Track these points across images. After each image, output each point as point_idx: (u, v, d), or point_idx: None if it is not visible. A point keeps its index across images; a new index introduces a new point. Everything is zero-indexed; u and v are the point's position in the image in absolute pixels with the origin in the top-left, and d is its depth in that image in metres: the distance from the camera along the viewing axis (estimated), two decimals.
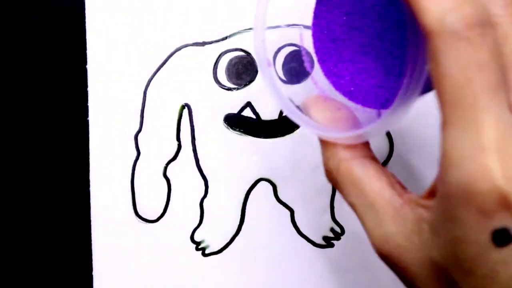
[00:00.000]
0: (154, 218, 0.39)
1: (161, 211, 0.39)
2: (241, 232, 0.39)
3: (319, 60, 0.28)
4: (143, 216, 0.39)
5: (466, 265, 0.22)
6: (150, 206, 0.39)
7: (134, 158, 0.39)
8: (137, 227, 0.39)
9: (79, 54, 0.39)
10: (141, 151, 0.39)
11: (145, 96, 0.38)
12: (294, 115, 0.27)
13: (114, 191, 0.39)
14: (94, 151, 0.38)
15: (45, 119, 0.39)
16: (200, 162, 0.39)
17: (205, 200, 0.39)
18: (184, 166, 0.39)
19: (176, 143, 0.39)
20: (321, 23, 0.27)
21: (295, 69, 0.38)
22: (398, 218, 0.26)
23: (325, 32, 0.27)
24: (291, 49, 0.38)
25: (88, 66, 0.39)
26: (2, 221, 0.39)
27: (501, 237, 0.21)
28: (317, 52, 0.28)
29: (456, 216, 0.22)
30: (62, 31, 0.39)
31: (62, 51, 0.39)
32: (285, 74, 0.38)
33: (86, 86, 0.39)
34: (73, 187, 0.39)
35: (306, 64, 0.31)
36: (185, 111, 0.39)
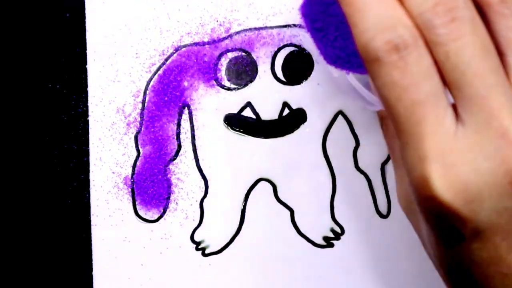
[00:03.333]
0: (154, 218, 0.39)
1: (161, 211, 0.39)
2: (241, 232, 0.39)
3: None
4: (143, 216, 0.39)
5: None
6: (150, 206, 0.39)
7: (134, 158, 0.39)
8: (137, 227, 0.39)
9: (79, 54, 0.39)
10: (141, 151, 0.39)
11: (145, 96, 0.38)
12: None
13: (114, 191, 0.39)
14: (94, 151, 0.38)
15: (45, 119, 0.39)
16: (200, 162, 0.39)
17: (205, 200, 0.39)
18: (184, 166, 0.39)
19: (176, 143, 0.39)
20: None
21: (294, 69, 0.38)
22: None
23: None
24: (291, 49, 0.38)
25: (88, 66, 0.39)
26: (2, 221, 0.39)
27: (450, 239, 0.24)
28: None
29: (411, 212, 0.25)
30: (62, 31, 0.39)
31: (62, 51, 0.39)
32: (284, 75, 0.38)
33: (86, 86, 0.39)
34: (73, 187, 0.39)
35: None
36: (185, 111, 0.39)
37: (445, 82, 0.23)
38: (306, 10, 0.28)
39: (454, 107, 0.23)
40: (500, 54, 0.23)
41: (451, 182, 0.22)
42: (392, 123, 0.24)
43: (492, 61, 0.23)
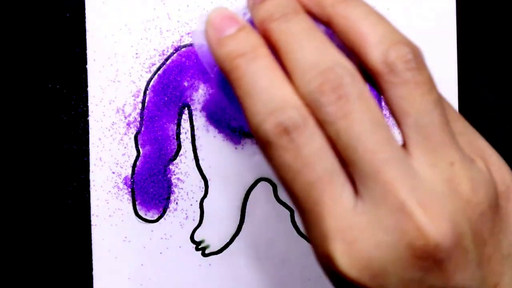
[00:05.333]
0: (154, 218, 0.39)
1: (161, 211, 0.39)
2: (241, 232, 0.39)
3: None
4: (143, 216, 0.39)
5: None
6: (150, 206, 0.39)
7: (134, 158, 0.39)
8: (137, 227, 0.39)
9: (79, 54, 0.39)
10: (141, 151, 0.39)
11: (145, 96, 0.38)
12: None
13: (114, 191, 0.39)
14: (94, 151, 0.38)
15: (45, 119, 0.39)
16: (200, 162, 0.39)
17: (205, 200, 0.39)
18: (184, 166, 0.39)
19: (176, 143, 0.39)
20: None
21: None
22: None
23: None
24: None
25: (88, 66, 0.39)
26: (2, 221, 0.39)
27: None
28: None
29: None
30: (62, 31, 0.39)
31: (62, 51, 0.39)
32: None
33: (86, 86, 0.39)
34: (73, 187, 0.39)
35: None
36: (185, 111, 0.39)
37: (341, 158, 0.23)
38: (219, 80, 0.28)
39: (354, 181, 0.23)
40: (396, 122, 0.23)
41: (354, 258, 0.22)
42: (291, 202, 0.24)
43: (382, 134, 0.22)
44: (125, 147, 0.39)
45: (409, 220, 0.22)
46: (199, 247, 0.39)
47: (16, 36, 0.39)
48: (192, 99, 0.38)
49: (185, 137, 0.39)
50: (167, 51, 0.38)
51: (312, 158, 0.22)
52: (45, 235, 0.39)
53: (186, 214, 0.39)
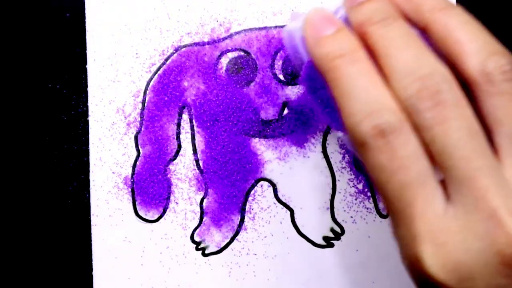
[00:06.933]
0: (154, 218, 0.39)
1: (161, 211, 0.39)
2: (241, 232, 0.39)
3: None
4: (143, 216, 0.39)
5: None
6: (150, 206, 0.39)
7: (134, 158, 0.39)
8: (137, 227, 0.39)
9: (79, 54, 0.39)
10: (141, 151, 0.39)
11: (145, 96, 0.38)
12: None
13: (114, 191, 0.39)
14: (94, 151, 0.38)
15: (45, 119, 0.39)
16: (200, 162, 0.39)
17: (205, 200, 0.39)
18: (184, 166, 0.39)
19: (176, 143, 0.39)
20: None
21: (294, 69, 0.38)
22: None
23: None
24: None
25: (88, 66, 0.39)
26: (2, 221, 0.39)
27: None
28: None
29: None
30: (62, 31, 0.39)
31: (62, 51, 0.39)
32: (284, 75, 0.38)
33: (86, 86, 0.39)
34: (73, 187, 0.39)
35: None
36: (185, 111, 0.39)
37: (434, 162, 0.23)
38: (307, 76, 0.28)
39: (445, 184, 0.24)
40: (489, 132, 0.24)
41: (442, 261, 0.23)
42: (383, 202, 0.24)
43: (478, 142, 0.23)
44: (125, 147, 0.39)
45: (500, 228, 0.22)
46: (199, 247, 0.39)
47: (16, 36, 0.39)
48: (192, 99, 0.38)
49: (185, 137, 0.39)
50: (167, 51, 0.38)
51: (407, 160, 0.23)
52: (45, 235, 0.39)
53: (186, 214, 0.39)
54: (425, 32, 0.25)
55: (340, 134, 0.28)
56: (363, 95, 0.24)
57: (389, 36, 0.24)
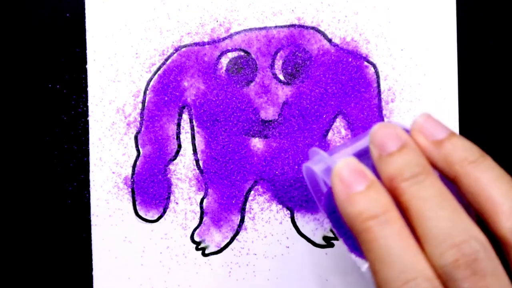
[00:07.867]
0: (154, 218, 0.39)
1: (161, 211, 0.39)
2: (241, 232, 0.39)
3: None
4: (143, 216, 0.39)
5: None
6: (150, 206, 0.39)
7: (134, 158, 0.39)
8: (137, 227, 0.39)
9: (79, 54, 0.39)
10: (141, 151, 0.39)
11: (145, 96, 0.38)
12: None
13: (114, 191, 0.39)
14: (94, 151, 0.38)
15: (45, 119, 0.39)
16: (200, 162, 0.39)
17: (205, 200, 0.39)
18: (184, 166, 0.39)
19: (176, 143, 0.39)
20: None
21: (294, 69, 0.38)
22: None
23: None
24: (291, 49, 0.38)
25: (88, 66, 0.39)
26: (2, 221, 0.39)
27: None
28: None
29: None
30: (62, 31, 0.39)
31: (62, 51, 0.39)
32: (284, 75, 0.38)
33: (86, 86, 0.39)
34: (73, 187, 0.39)
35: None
36: (185, 111, 0.39)
37: None
38: (328, 206, 0.28)
39: None
40: None
41: None
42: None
43: None
44: (125, 147, 0.39)
45: None
46: (199, 247, 0.39)
47: (16, 36, 0.39)
48: (192, 99, 0.38)
49: (185, 137, 0.39)
50: (167, 51, 0.38)
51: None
52: (45, 235, 0.39)
53: (186, 214, 0.39)
54: (454, 183, 0.25)
55: (365, 266, 0.28)
56: (398, 261, 0.23)
57: (422, 196, 0.24)
